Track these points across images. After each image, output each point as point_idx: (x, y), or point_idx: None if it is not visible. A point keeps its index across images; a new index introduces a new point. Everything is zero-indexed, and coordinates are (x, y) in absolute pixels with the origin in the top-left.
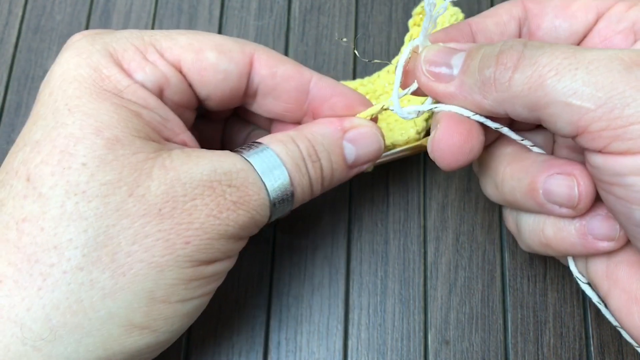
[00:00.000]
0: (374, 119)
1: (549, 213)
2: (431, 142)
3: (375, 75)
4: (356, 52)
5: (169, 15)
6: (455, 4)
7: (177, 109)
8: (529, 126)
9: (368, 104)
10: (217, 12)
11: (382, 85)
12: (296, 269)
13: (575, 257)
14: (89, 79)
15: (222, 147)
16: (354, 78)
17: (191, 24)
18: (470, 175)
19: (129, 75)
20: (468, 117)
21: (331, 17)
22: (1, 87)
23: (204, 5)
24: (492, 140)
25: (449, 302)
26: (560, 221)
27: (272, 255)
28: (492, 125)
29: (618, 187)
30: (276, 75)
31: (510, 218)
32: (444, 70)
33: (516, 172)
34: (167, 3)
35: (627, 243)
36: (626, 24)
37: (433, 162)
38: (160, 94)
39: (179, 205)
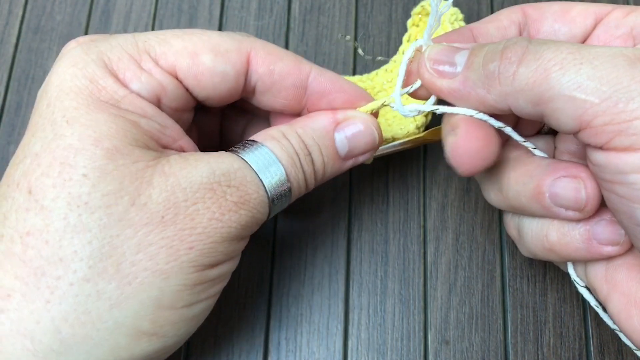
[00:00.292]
0: (374, 115)
1: (555, 217)
2: (450, 148)
3: (374, 72)
4: (360, 51)
5: (169, 16)
6: (455, 4)
7: (175, 113)
8: (531, 131)
9: (369, 98)
10: (217, 12)
11: (381, 83)
12: (296, 269)
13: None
14: (85, 90)
15: (221, 136)
16: None
17: (191, 24)
18: None
19: (124, 85)
20: (486, 122)
21: (331, 17)
22: (1, 87)
23: (204, 6)
24: None
25: (449, 302)
26: (564, 226)
27: (272, 255)
28: (496, 124)
29: (620, 186)
30: (274, 73)
31: (511, 223)
32: (447, 68)
33: (521, 177)
34: (167, 3)
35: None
36: (624, 30)
37: (433, 162)
38: (157, 102)
39: (181, 210)
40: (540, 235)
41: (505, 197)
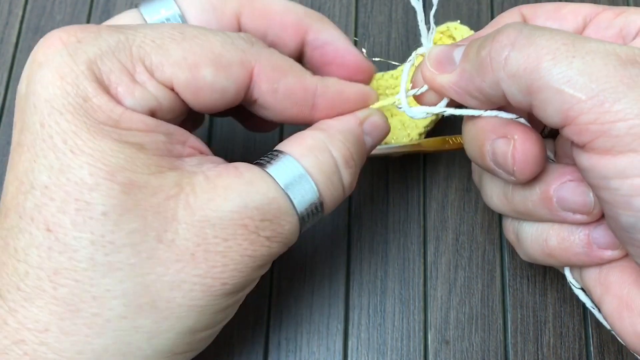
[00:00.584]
0: None
1: (562, 221)
2: (512, 155)
3: (380, 74)
4: (364, 50)
5: None
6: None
7: (172, 120)
8: None
9: (376, 98)
10: None
11: (384, 87)
12: (296, 269)
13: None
14: (80, 110)
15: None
16: None
17: None
18: (469, 174)
19: (118, 101)
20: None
21: (331, 17)
22: (1, 87)
23: None
24: None
25: (449, 302)
26: (564, 231)
27: None
28: (507, 116)
29: (605, 190)
30: (277, 92)
31: (510, 228)
32: (446, 64)
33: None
34: None
35: None
36: (614, 31)
37: (433, 162)
38: (152, 116)
39: (211, 247)
40: (539, 240)
41: (510, 201)
